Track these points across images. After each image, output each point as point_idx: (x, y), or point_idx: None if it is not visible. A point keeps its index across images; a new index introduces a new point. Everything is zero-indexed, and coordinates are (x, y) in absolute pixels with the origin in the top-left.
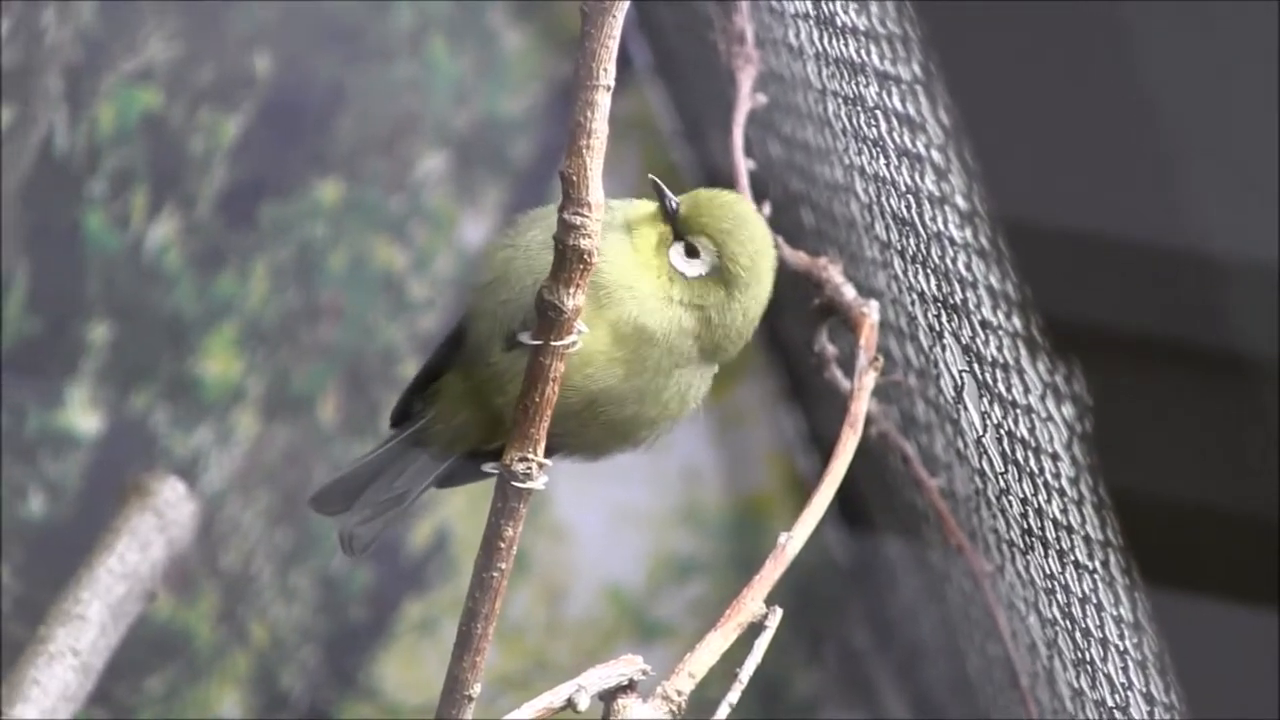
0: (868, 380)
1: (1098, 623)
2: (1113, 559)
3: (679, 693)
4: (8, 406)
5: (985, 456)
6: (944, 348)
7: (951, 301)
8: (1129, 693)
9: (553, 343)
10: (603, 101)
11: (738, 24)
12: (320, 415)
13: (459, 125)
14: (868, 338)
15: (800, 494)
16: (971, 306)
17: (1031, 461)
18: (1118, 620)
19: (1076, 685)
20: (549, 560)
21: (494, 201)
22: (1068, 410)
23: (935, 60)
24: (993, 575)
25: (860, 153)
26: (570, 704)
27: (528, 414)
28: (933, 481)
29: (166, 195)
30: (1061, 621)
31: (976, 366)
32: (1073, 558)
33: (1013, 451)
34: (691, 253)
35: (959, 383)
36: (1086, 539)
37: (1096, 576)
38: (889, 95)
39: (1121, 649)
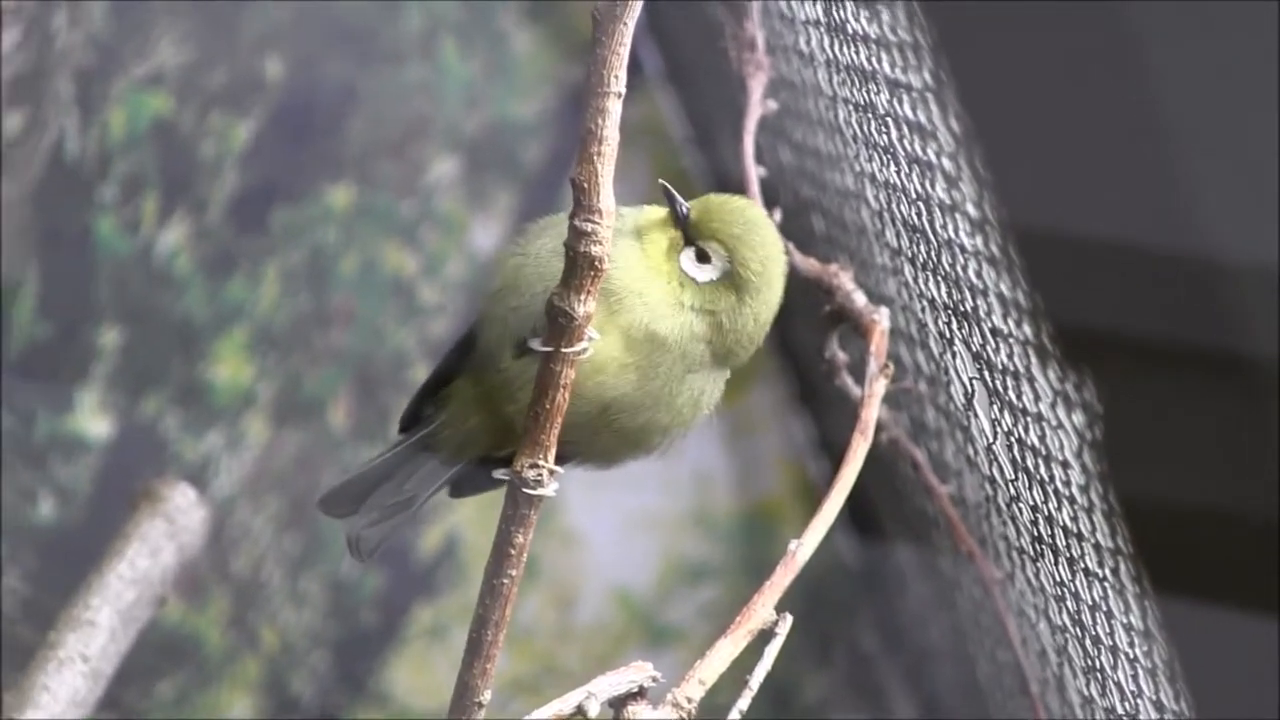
0: (878, 387)
1: (1108, 630)
2: (1123, 566)
3: (689, 700)
4: (18, 411)
5: (995, 463)
6: (954, 355)
7: (962, 309)
8: (1139, 700)
9: (564, 349)
10: (614, 108)
11: (749, 30)
12: (331, 420)
13: (470, 129)
14: (878, 344)
15: (811, 500)
16: (982, 314)
17: (1042, 469)
18: (1128, 628)
19: (1086, 692)
20: (559, 565)
21: (505, 206)
22: (1078, 418)
23: (946, 68)
24: (1003, 582)
25: (871, 159)
26: (580, 711)
27: (538, 421)
28: (943, 488)
29: (177, 200)
30: (1071, 629)
31: (987, 374)
32: (1083, 565)
33: (1023, 459)
34: (703, 258)
35: (969, 390)
36: (1096, 546)
37: (1106, 584)
38: (900, 102)
39: (1131, 656)
